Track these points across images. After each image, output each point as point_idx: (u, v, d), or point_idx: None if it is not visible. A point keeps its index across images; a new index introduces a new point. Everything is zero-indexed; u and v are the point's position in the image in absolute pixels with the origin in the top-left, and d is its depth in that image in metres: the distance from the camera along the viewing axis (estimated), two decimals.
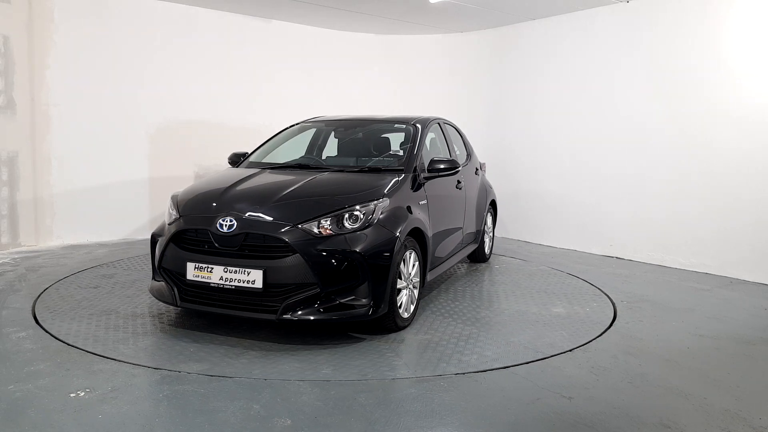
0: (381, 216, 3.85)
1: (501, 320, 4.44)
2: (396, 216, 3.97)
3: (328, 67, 8.85)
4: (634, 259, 6.77)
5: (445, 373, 3.35)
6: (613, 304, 4.86)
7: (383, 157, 4.97)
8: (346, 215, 3.75)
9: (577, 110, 7.37)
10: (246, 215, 3.75)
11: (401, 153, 4.89)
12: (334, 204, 3.82)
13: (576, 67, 7.35)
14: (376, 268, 3.70)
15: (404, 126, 5.26)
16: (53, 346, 3.62)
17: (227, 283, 3.64)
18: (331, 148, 5.57)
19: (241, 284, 3.61)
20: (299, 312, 3.59)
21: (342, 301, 3.65)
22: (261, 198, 3.98)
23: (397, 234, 3.87)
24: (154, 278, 4.13)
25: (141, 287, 5.04)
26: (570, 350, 3.75)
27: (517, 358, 3.61)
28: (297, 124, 5.66)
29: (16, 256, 6.15)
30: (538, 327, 4.27)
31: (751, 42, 5.72)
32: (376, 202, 3.91)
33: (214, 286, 3.67)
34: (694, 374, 3.43)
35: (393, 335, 3.97)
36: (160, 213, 7.68)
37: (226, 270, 3.64)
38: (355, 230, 3.71)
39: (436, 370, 3.38)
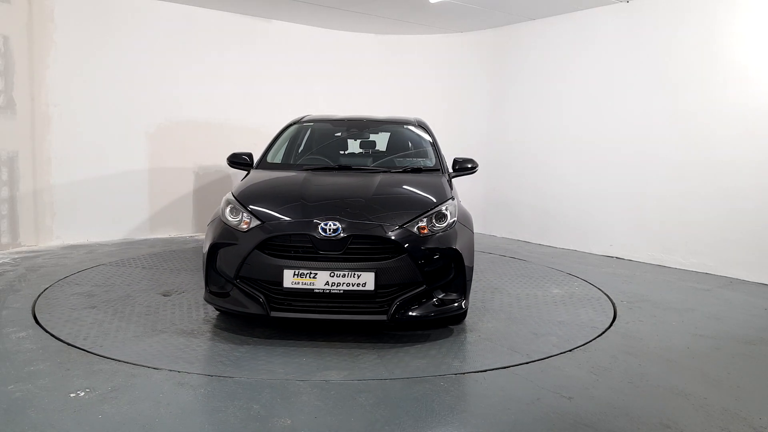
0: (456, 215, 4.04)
1: (530, 304, 4.83)
2: (462, 215, 4.15)
3: (328, 67, 8.85)
4: (634, 259, 6.77)
5: (551, 353, 3.69)
6: (613, 304, 4.86)
7: (416, 158, 5.09)
8: (435, 215, 3.87)
9: (576, 110, 7.37)
10: (349, 218, 3.68)
11: (431, 153, 5.08)
12: (420, 205, 3.95)
13: (576, 67, 7.35)
14: (467, 264, 3.85)
15: (413, 126, 5.43)
16: (53, 346, 3.62)
17: (334, 288, 3.56)
18: (342, 148, 5.59)
19: (350, 288, 3.56)
20: (410, 311, 3.66)
21: (439, 297, 3.78)
22: (351, 200, 3.93)
23: (473, 231, 4.12)
24: (211, 291, 3.89)
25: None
26: (570, 350, 3.76)
27: (586, 336, 4.01)
28: (295, 123, 5.55)
29: (16, 256, 6.15)
30: (562, 307, 4.76)
31: (752, 41, 5.72)
32: (450, 201, 4.09)
33: (318, 292, 3.57)
34: (694, 374, 3.43)
35: (467, 326, 4.20)
36: (159, 212, 7.68)
37: (332, 275, 3.55)
38: (444, 229, 3.83)
39: (543, 353, 3.69)
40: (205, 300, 3.96)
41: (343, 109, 8.33)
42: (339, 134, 5.64)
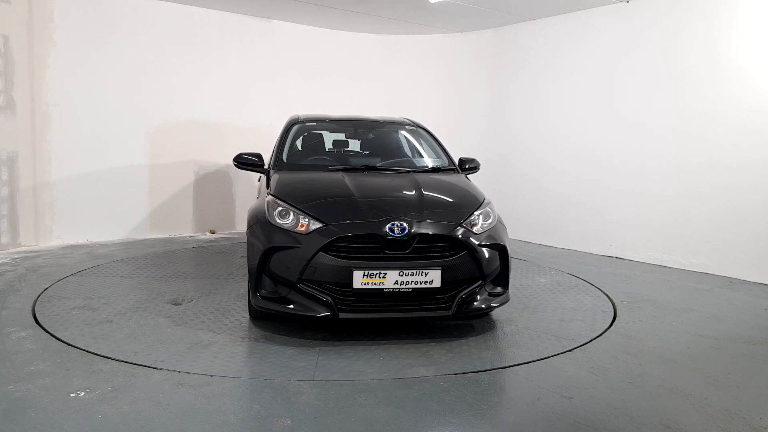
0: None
1: (541, 291, 5.19)
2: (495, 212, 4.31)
3: (328, 66, 8.86)
4: (634, 259, 6.77)
5: (587, 338, 4.03)
6: (613, 304, 4.86)
7: (431, 158, 5.18)
8: (483, 213, 4.07)
9: (576, 110, 7.37)
10: (414, 218, 3.76)
11: (441, 153, 5.19)
12: (468, 204, 4.11)
13: (576, 67, 7.35)
14: (510, 258, 4.09)
15: (415, 128, 5.51)
16: (53, 346, 3.62)
17: (403, 286, 3.64)
18: (355, 148, 5.58)
19: (418, 286, 3.65)
20: (470, 305, 3.84)
21: (489, 290, 3.98)
22: (407, 200, 4.02)
23: (505, 226, 4.29)
24: (263, 296, 3.80)
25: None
26: (570, 350, 3.76)
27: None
28: (298, 123, 5.42)
29: (16, 256, 6.15)
30: (570, 293, 5.18)
31: (752, 42, 5.72)
32: (488, 200, 4.30)
33: (388, 291, 3.64)
34: (694, 374, 3.43)
35: (498, 318, 4.39)
36: (159, 211, 7.68)
37: (401, 274, 3.62)
38: (490, 226, 4.04)
39: (584, 338, 4.00)
40: (257, 305, 3.84)
41: (342, 109, 8.32)
42: (347, 134, 5.62)
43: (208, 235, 7.92)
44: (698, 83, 6.14)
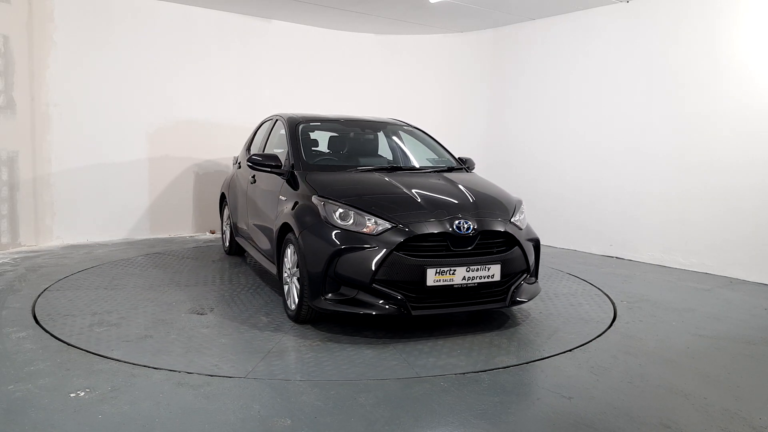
0: None
1: (542, 287, 5.16)
2: None
3: (328, 66, 8.85)
4: (634, 259, 6.77)
5: (604, 325, 4.38)
6: (613, 304, 4.86)
7: (441, 158, 5.30)
8: (519, 210, 4.31)
9: (576, 110, 7.37)
10: (476, 217, 3.94)
11: (444, 153, 5.32)
12: (507, 202, 4.33)
13: (576, 67, 7.35)
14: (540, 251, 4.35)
15: (413, 129, 5.56)
16: (53, 346, 3.62)
17: (470, 282, 3.80)
18: (367, 147, 5.56)
19: (483, 280, 3.84)
20: (519, 296, 4.06)
21: (527, 282, 4.19)
22: (460, 200, 4.15)
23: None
24: (328, 298, 3.76)
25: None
26: (570, 350, 3.76)
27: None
28: (301, 123, 5.23)
29: (16, 256, 6.15)
30: (568, 284, 5.55)
31: (752, 42, 5.72)
32: (519, 197, 4.51)
33: (457, 287, 3.78)
34: (694, 374, 3.43)
35: (525, 309, 4.62)
36: (159, 211, 7.67)
37: (468, 270, 3.78)
38: (524, 222, 4.31)
39: (606, 319, 4.45)
40: (320, 307, 3.78)
41: (342, 109, 8.33)
42: (353, 135, 5.57)
43: (208, 235, 7.92)
44: (698, 83, 6.13)
